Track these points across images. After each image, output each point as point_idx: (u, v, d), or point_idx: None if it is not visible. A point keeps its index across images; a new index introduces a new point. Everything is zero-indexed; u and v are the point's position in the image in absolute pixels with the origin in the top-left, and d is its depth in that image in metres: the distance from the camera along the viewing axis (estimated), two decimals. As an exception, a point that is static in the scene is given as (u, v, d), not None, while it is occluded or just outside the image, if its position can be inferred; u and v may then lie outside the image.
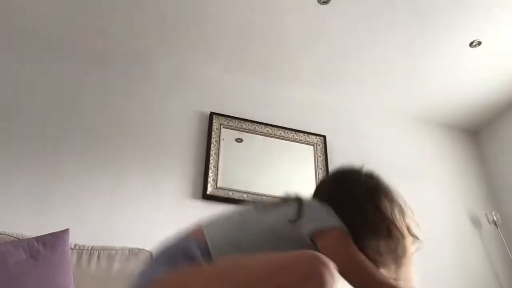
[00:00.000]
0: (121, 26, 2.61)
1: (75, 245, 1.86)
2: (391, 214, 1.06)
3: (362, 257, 0.95)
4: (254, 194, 2.52)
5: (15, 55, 2.54)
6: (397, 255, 1.04)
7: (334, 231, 0.99)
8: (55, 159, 2.28)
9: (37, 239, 1.66)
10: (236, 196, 2.48)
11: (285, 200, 1.08)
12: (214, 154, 2.59)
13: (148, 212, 2.29)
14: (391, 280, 0.92)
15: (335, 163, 2.88)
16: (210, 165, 2.53)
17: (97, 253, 1.85)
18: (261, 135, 2.80)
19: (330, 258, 0.81)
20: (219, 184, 2.49)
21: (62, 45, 2.68)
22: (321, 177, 2.75)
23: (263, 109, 2.95)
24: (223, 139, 2.68)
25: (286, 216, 1.02)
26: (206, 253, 0.95)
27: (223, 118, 2.75)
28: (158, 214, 2.30)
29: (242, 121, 2.79)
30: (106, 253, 1.86)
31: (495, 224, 2.94)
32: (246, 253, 0.92)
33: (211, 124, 2.69)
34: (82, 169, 2.30)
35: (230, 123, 2.76)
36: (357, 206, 1.07)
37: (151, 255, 1.92)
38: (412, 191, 2.95)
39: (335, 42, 2.70)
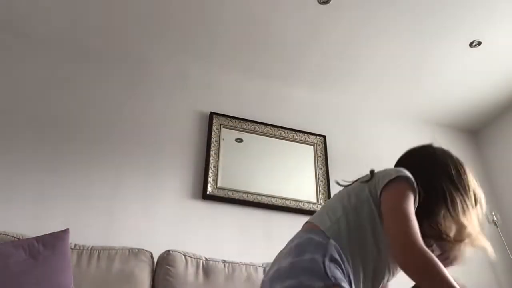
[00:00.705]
0: (122, 27, 2.61)
1: (75, 245, 1.86)
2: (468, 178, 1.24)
3: (411, 211, 0.98)
4: (254, 194, 2.52)
5: (15, 55, 2.54)
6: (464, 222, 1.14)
7: (396, 183, 1.03)
8: (55, 159, 2.28)
9: (37, 239, 1.66)
10: (236, 196, 2.48)
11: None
12: (214, 154, 2.59)
13: (148, 212, 2.29)
14: (422, 241, 0.93)
15: (335, 163, 2.88)
16: (210, 165, 2.53)
17: (97, 253, 1.85)
18: (261, 135, 2.80)
19: (384, 208, 0.99)
20: (219, 184, 2.49)
21: (62, 46, 2.68)
22: (321, 177, 2.75)
23: (263, 109, 2.95)
24: (223, 139, 2.68)
25: (361, 181, 1.13)
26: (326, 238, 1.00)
27: (223, 118, 2.75)
28: (158, 214, 2.30)
29: (242, 121, 2.79)
30: (106, 253, 1.86)
31: (495, 224, 2.94)
32: (350, 221, 1.02)
33: (211, 124, 2.69)
34: (82, 169, 2.30)
35: (230, 123, 2.76)
36: (437, 162, 1.22)
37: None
38: (412, 191, 2.99)
39: (335, 42, 2.70)
